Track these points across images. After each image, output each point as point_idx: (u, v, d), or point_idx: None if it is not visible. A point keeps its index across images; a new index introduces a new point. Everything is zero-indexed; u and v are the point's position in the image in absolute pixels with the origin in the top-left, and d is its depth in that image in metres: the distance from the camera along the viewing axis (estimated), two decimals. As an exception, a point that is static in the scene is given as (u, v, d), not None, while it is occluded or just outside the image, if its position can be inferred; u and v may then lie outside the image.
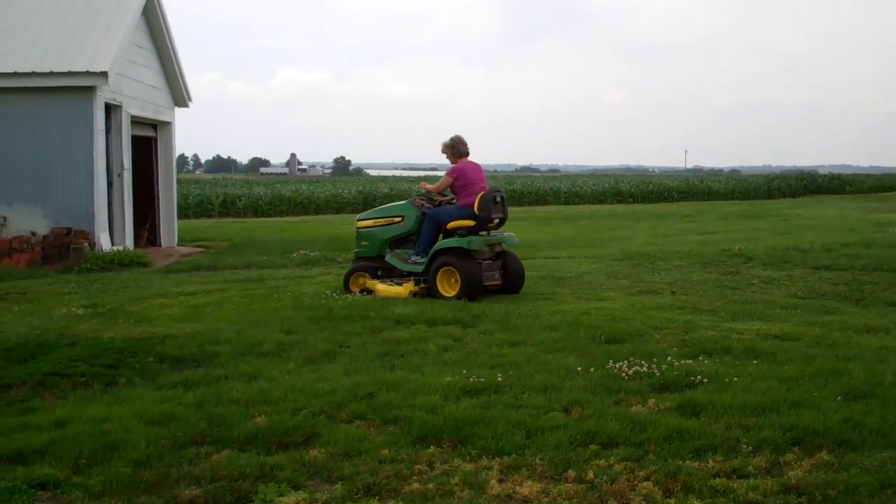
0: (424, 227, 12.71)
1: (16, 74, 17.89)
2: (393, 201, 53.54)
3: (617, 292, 12.85)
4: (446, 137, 13.10)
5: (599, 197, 56.15)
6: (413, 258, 12.68)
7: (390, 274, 13.00)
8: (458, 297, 11.97)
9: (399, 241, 13.08)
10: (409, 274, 12.75)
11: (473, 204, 12.48)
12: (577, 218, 34.42)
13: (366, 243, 13.18)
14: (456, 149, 12.97)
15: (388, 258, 12.97)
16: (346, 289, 12.92)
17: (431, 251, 12.47)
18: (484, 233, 12.66)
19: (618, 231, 27.05)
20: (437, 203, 13.04)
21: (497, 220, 12.77)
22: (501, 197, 12.80)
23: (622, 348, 8.52)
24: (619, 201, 55.27)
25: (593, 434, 5.97)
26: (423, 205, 12.98)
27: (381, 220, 13.16)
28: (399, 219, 13.00)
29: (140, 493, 5.13)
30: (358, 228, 13.32)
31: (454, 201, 12.89)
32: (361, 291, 12.73)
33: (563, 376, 7.52)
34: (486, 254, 12.63)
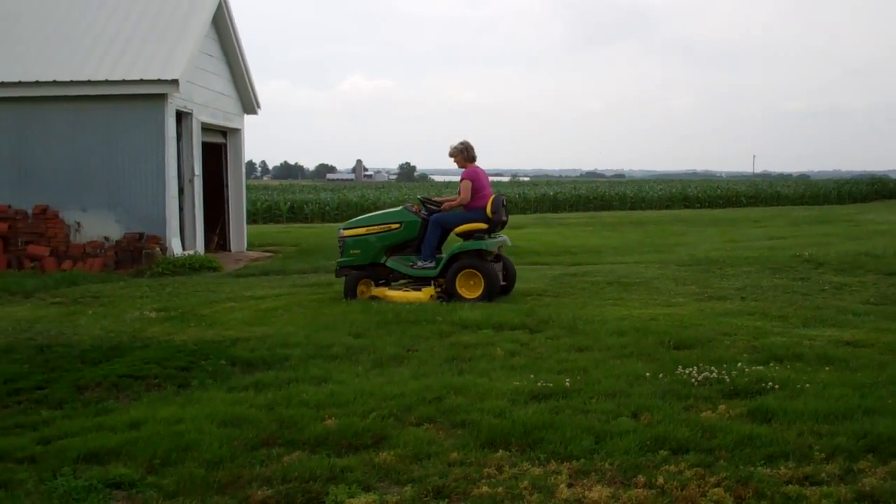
0: (429, 233, 12.72)
1: (89, 83, 18.27)
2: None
3: (685, 298, 12.74)
4: (455, 142, 13.24)
5: (666, 202, 55.61)
6: (420, 263, 12.73)
7: (389, 281, 13.13)
8: (479, 298, 12.30)
9: (395, 249, 13.07)
10: (414, 279, 12.90)
11: (485, 207, 12.77)
12: (644, 223, 34.14)
13: (357, 251, 12.98)
14: (467, 153, 13.13)
15: (392, 265, 12.90)
16: (351, 297, 12.80)
17: (448, 254, 12.66)
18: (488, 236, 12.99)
19: (685, 236, 26.79)
20: (435, 209, 13.07)
21: (503, 223, 13.23)
22: (505, 201, 13.19)
23: (691, 354, 8.45)
24: (687, 206, 54.67)
25: (663, 439, 5.94)
26: (419, 211, 13.09)
27: (376, 228, 13.02)
28: (397, 225, 12.95)
29: (213, 494, 5.22)
30: (345, 237, 13.13)
31: (443, 206, 13.07)
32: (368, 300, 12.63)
33: (632, 382, 7.48)
34: (491, 256, 13.02)
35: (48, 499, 5.14)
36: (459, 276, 12.52)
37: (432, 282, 12.73)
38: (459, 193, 12.88)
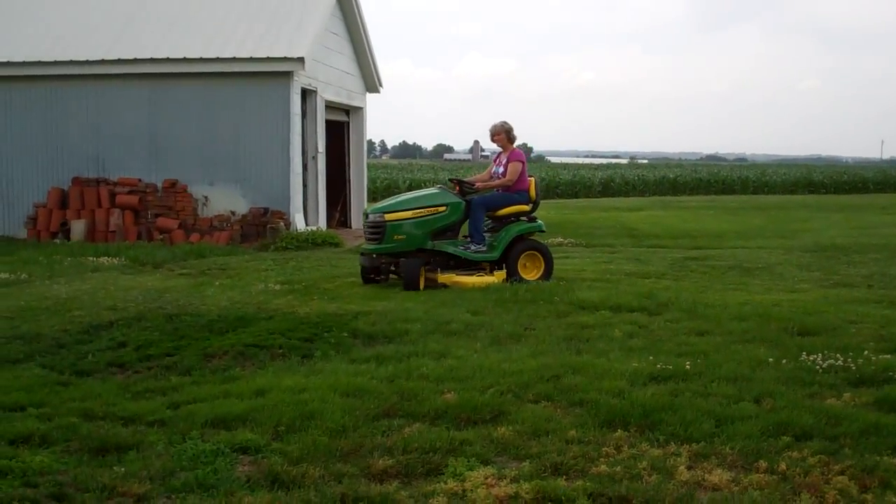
0: (476, 215, 12.38)
1: (218, 60, 18.73)
2: (576, 188, 52.38)
3: (809, 284, 12.46)
4: (498, 121, 12.96)
5: (790, 187, 54.31)
6: (474, 247, 12.37)
7: (441, 265, 12.43)
8: (541, 278, 12.39)
9: (437, 233, 12.52)
10: (466, 264, 12.44)
11: (529, 190, 12.69)
12: (767, 208, 33.39)
13: (401, 237, 12.19)
14: (512, 134, 12.87)
15: (451, 249, 12.35)
16: (414, 288, 11.88)
17: (509, 237, 12.44)
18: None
19: (810, 222, 26.12)
20: (471, 190, 12.67)
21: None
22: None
23: (816, 341, 8.27)
24: (811, 192, 53.27)
25: (786, 426, 5.85)
26: (459, 192, 12.72)
27: (423, 211, 12.30)
28: (444, 208, 12.37)
29: (336, 461, 5.35)
30: (388, 222, 12.24)
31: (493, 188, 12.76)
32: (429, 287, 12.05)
33: (754, 367, 7.37)
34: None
35: (177, 461, 5.34)
36: (522, 257, 12.48)
37: (488, 266, 12.49)
38: (505, 174, 12.60)
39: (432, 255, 12.36)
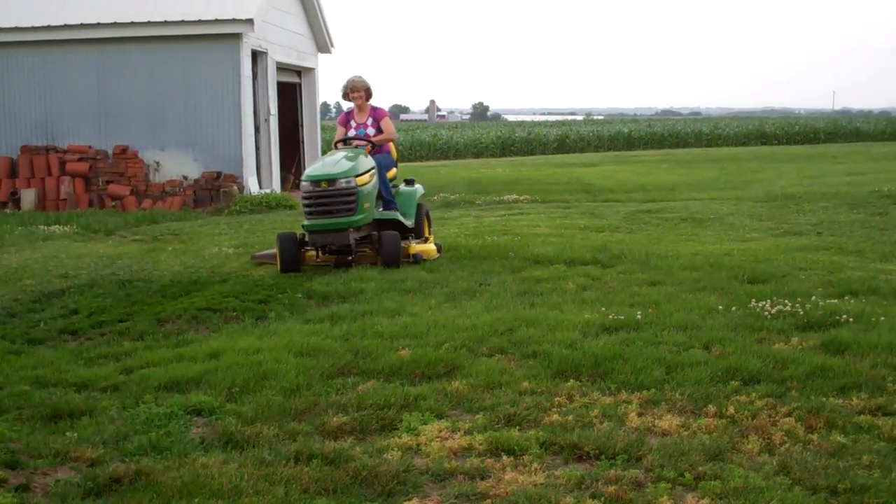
0: (384, 179, 11.06)
1: (166, 23, 18.48)
2: (531, 145, 52.27)
3: (760, 233, 12.62)
4: (355, 76, 11.39)
5: (743, 139, 54.74)
6: (398, 213, 11.12)
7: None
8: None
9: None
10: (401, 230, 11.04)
11: (391, 151, 11.55)
12: (720, 160, 33.66)
13: (368, 205, 10.57)
14: (371, 91, 11.42)
15: (397, 216, 11.04)
16: (395, 264, 10.29)
17: (414, 202, 11.45)
18: None
19: (762, 173, 26.38)
20: (371, 151, 11.09)
21: None
22: None
23: (765, 288, 8.39)
24: (764, 143, 53.71)
25: (734, 371, 5.95)
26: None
27: (372, 175, 10.72)
28: (374, 170, 10.79)
29: (290, 420, 5.37)
30: (360, 188, 10.38)
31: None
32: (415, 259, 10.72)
33: (704, 315, 7.48)
34: None
35: (131, 425, 5.33)
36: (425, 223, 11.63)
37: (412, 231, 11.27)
38: (382, 130, 11.23)
39: (379, 225, 10.94)
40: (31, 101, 19.09)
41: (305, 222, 10.36)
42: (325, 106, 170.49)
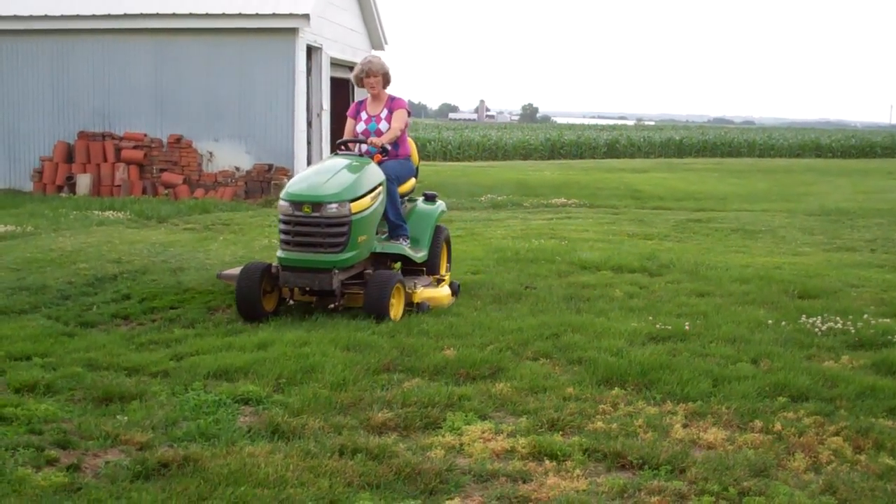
0: (393, 195, 8.47)
1: (223, 16, 18.64)
2: (580, 149, 51.43)
3: (812, 248, 12.50)
4: (373, 56, 9.12)
5: (797, 151, 54.06)
6: (405, 243, 8.56)
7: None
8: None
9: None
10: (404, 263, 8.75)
11: (413, 155, 9.08)
12: (773, 171, 33.32)
13: (364, 238, 7.93)
14: (389, 76, 8.97)
15: (400, 249, 8.45)
16: (380, 315, 7.59)
17: (430, 228, 8.89)
18: None
19: (815, 186, 26.08)
20: (383, 157, 8.53)
21: None
22: None
23: (816, 304, 8.32)
24: (818, 156, 53.03)
25: (782, 387, 5.91)
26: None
27: (376, 194, 8.11)
28: (381, 187, 8.21)
29: (336, 413, 5.42)
30: (355, 216, 7.75)
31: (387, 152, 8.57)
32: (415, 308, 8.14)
33: (753, 328, 7.43)
34: None
35: (180, 410, 5.41)
36: (442, 253, 9.21)
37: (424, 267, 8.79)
38: (390, 124, 8.69)
39: (376, 261, 8.46)
40: (89, 88, 19.34)
41: (280, 254, 7.84)
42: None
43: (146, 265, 10.17)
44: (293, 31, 18.61)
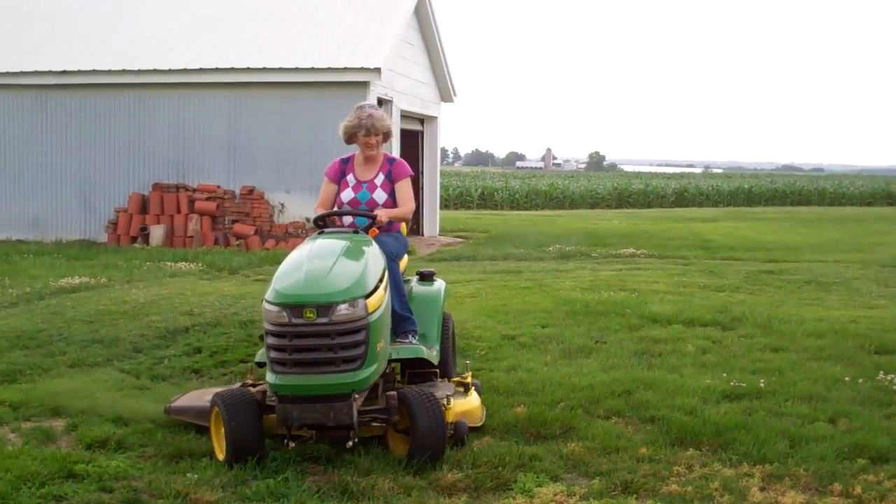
0: (396, 278, 6.69)
1: (297, 69, 18.95)
2: (648, 197, 50.97)
3: (888, 300, 12.21)
4: (374, 108, 7.03)
5: (868, 199, 53.18)
6: (413, 338, 6.66)
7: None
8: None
9: None
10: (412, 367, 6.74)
11: (402, 226, 7.17)
12: (844, 220, 32.76)
13: (382, 344, 5.87)
14: (391, 133, 7.18)
15: (415, 352, 6.50)
16: (437, 454, 5.59)
17: (440, 317, 7.06)
18: None
19: (889, 235, 25.53)
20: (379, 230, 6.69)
21: None
22: None
23: (893, 360, 8.13)
24: (890, 204, 52.09)
25: (861, 447, 5.77)
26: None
27: (385, 283, 6.12)
28: (386, 273, 6.28)
29: (405, 474, 5.40)
30: (370, 316, 5.68)
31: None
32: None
33: (829, 386, 7.27)
34: None
35: (249, 469, 5.41)
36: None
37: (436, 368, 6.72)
38: (388, 195, 6.90)
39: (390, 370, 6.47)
40: (164, 141, 19.75)
41: (274, 380, 5.60)
42: (444, 151, 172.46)
43: (217, 317, 10.28)
44: (365, 84, 18.83)
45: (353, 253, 6.04)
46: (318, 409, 5.49)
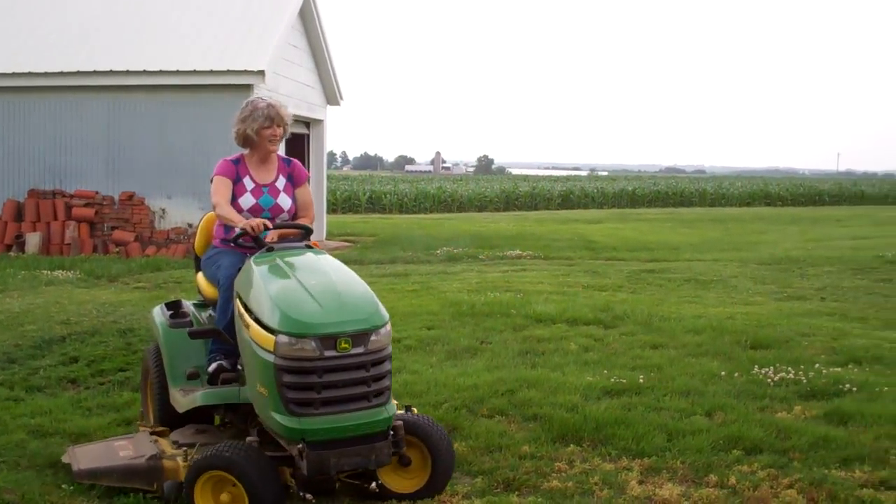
0: None
1: (178, 72, 18.60)
2: (535, 200, 51.47)
3: (763, 297, 12.60)
4: (273, 100, 6.27)
5: (747, 199, 54.86)
6: None
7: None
8: None
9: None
10: None
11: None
12: (724, 220, 33.72)
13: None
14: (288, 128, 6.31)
15: None
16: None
17: None
18: None
19: (766, 235, 26.41)
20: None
21: None
22: None
23: (768, 354, 8.37)
24: (768, 204, 53.87)
25: (736, 439, 5.93)
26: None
27: None
28: None
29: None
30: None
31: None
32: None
33: (706, 380, 7.46)
34: None
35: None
36: None
37: None
38: (292, 199, 6.13)
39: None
40: (41, 146, 19.16)
41: (298, 424, 4.76)
42: (332, 155, 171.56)
43: (95, 326, 10.02)
44: (248, 87, 18.56)
45: (345, 271, 5.32)
46: (360, 451, 4.78)
